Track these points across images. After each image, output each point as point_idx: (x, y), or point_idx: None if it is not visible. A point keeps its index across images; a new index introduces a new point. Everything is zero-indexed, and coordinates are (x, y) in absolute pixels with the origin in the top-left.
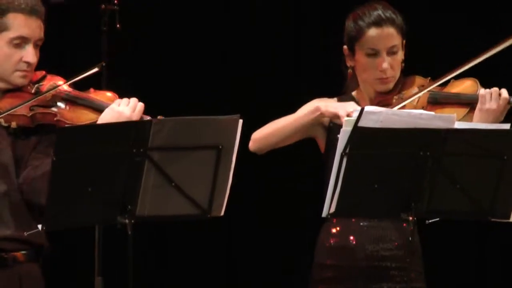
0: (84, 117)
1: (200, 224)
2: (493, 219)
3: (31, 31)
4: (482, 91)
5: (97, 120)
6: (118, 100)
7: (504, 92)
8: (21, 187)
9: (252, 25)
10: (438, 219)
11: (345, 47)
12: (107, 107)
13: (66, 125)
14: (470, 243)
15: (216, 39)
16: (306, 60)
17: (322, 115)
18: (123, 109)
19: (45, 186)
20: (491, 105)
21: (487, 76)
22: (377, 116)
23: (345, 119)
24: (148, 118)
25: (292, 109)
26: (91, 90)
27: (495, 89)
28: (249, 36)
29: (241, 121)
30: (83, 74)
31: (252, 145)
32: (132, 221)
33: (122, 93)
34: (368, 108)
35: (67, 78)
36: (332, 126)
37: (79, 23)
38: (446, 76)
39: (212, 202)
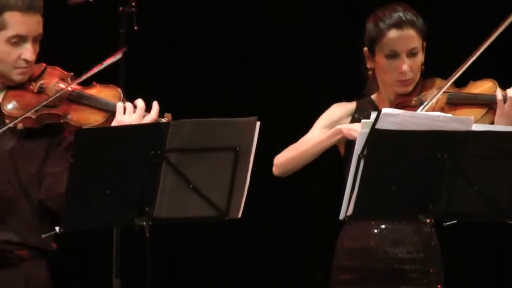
0: (90, 118)
1: (218, 226)
2: (511, 222)
3: (28, 29)
4: (499, 95)
5: (103, 121)
6: (121, 105)
7: None
8: (44, 202)
9: (267, 26)
10: (455, 221)
11: (365, 48)
12: (112, 106)
13: (84, 127)
14: (490, 245)
15: (231, 40)
16: (324, 62)
17: (344, 137)
18: (129, 119)
19: None
20: (511, 109)
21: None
22: (395, 118)
23: (362, 121)
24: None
25: (310, 111)
26: (94, 83)
27: None
28: (265, 36)
29: (258, 123)
30: (101, 65)
31: (275, 170)
32: (150, 223)
33: (139, 94)
34: (385, 110)
35: (78, 73)
36: None
37: (97, 24)
38: (458, 70)
39: (230, 204)
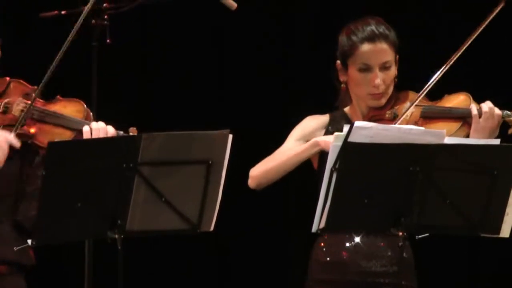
0: (56, 138)
1: (192, 238)
2: (483, 234)
3: None
4: (474, 110)
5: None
6: (87, 130)
7: (497, 110)
8: (21, 223)
9: (241, 38)
10: (427, 234)
11: (338, 62)
12: (78, 123)
13: (56, 140)
14: (463, 258)
15: (206, 53)
16: (297, 75)
17: (321, 149)
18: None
19: None
20: (486, 123)
21: (479, 88)
22: (368, 131)
23: (335, 134)
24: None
25: (284, 124)
26: (58, 97)
27: (488, 107)
28: (240, 49)
29: (231, 136)
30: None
31: (251, 183)
32: (122, 236)
33: (112, 108)
34: (358, 123)
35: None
36: None
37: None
38: (431, 83)
39: (202, 217)
